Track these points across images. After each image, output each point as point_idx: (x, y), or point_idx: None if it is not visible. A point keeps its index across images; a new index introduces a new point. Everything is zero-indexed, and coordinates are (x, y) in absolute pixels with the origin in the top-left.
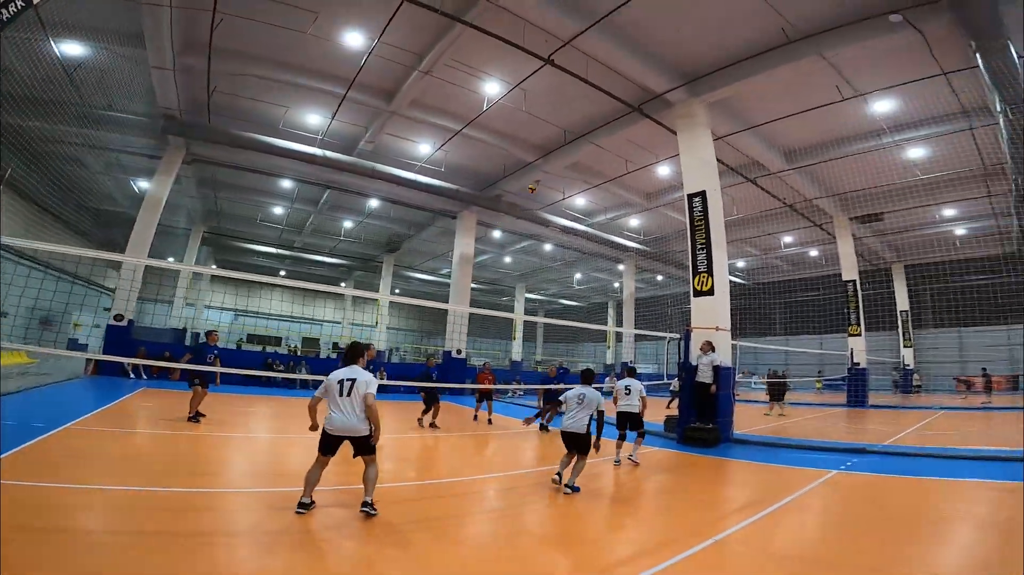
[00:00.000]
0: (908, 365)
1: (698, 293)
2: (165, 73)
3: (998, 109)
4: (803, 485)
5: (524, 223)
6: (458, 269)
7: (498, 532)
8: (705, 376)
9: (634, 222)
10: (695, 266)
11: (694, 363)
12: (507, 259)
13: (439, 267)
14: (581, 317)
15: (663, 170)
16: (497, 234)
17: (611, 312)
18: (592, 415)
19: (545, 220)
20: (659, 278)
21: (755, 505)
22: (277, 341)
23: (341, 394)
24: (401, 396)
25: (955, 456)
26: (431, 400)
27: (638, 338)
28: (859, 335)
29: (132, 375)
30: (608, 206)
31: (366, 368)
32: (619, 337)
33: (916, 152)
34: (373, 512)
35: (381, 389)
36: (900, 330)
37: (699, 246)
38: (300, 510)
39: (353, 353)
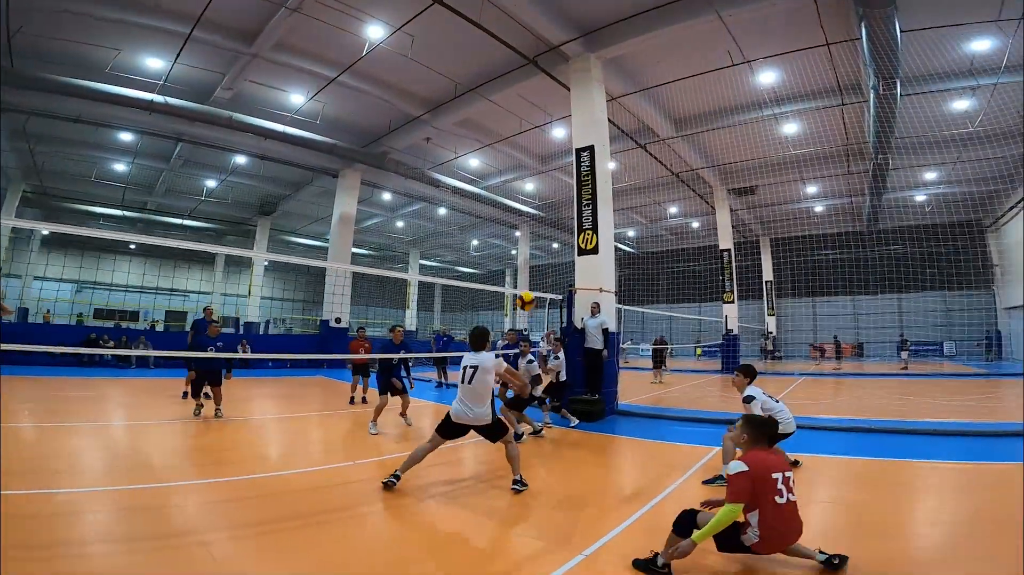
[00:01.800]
0: (772, 332)
1: (582, 251)
2: None
3: (870, 84)
4: (687, 467)
5: (415, 184)
6: (338, 230)
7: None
8: (595, 341)
9: (529, 186)
10: (580, 223)
11: (579, 327)
12: (399, 223)
13: (323, 231)
14: (479, 282)
15: (558, 132)
16: (387, 196)
17: (508, 279)
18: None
19: (436, 181)
20: (555, 245)
21: (639, 497)
22: (134, 316)
23: (462, 381)
24: (291, 372)
25: (821, 427)
26: (388, 385)
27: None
28: (732, 302)
29: None
30: (502, 168)
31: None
32: (515, 304)
33: (790, 127)
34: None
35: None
36: (765, 299)
37: (585, 202)
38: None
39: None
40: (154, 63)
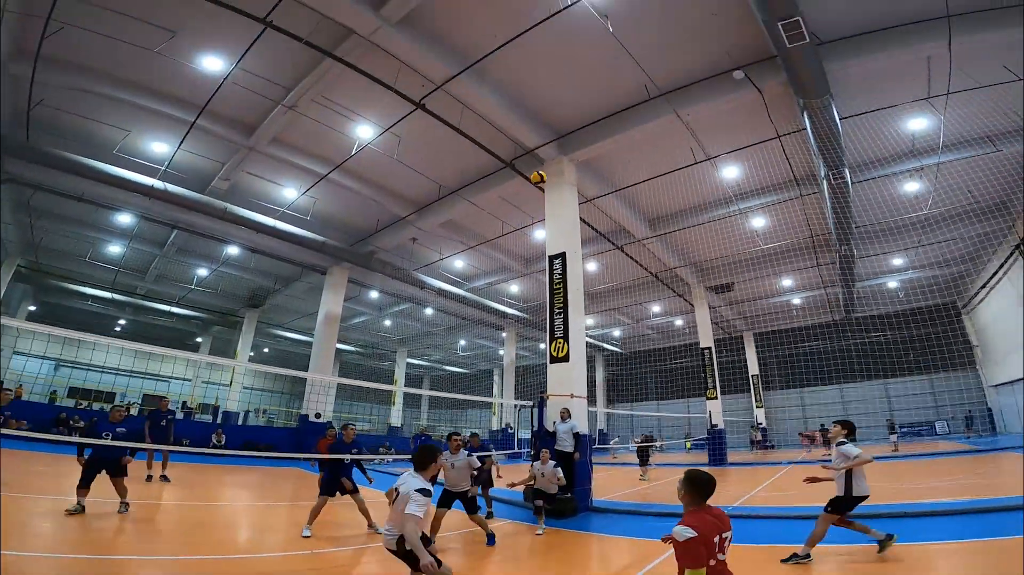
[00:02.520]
0: (761, 424)
1: (554, 359)
2: None
3: (821, 174)
4: (649, 560)
5: (402, 284)
6: (323, 329)
7: None
8: (565, 444)
9: (514, 288)
10: (552, 331)
11: (551, 430)
12: (386, 322)
13: (310, 326)
14: (467, 383)
15: (539, 234)
16: (374, 295)
17: (496, 379)
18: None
19: (421, 282)
20: (541, 346)
21: None
22: (110, 397)
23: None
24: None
25: (793, 516)
26: (334, 485)
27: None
28: (716, 398)
29: None
30: (487, 270)
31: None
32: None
33: (758, 221)
34: None
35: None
36: (752, 392)
37: (557, 310)
38: None
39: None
40: (159, 147)
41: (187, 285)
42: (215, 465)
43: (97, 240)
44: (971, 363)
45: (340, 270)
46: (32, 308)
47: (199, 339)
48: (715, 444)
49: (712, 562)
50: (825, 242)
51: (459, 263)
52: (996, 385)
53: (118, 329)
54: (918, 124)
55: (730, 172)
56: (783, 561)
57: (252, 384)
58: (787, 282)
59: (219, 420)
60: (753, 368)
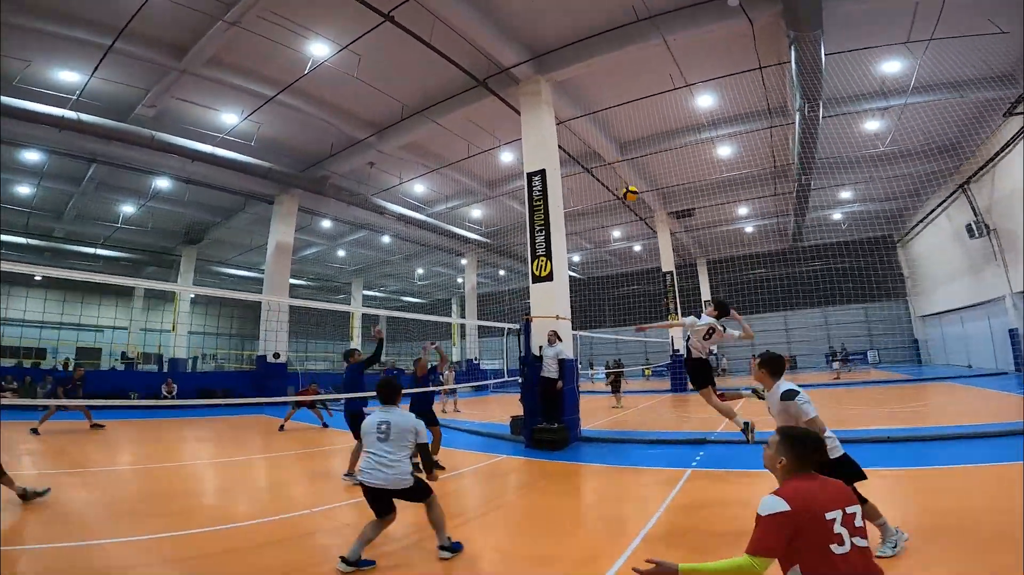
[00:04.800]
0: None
1: (537, 279)
2: None
3: (796, 106)
4: (663, 495)
5: (357, 211)
6: (274, 260)
7: None
8: (550, 371)
9: (476, 212)
10: (533, 249)
11: (537, 355)
12: (340, 252)
13: (257, 261)
14: (424, 314)
15: (506, 156)
16: (327, 224)
17: (455, 308)
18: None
19: (379, 207)
20: (501, 272)
21: (619, 537)
22: (41, 353)
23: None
24: (225, 411)
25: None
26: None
27: (482, 333)
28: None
29: None
30: (449, 194)
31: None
32: (463, 333)
33: (724, 150)
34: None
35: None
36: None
37: (538, 228)
38: None
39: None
40: (68, 76)
41: (112, 224)
42: (169, 419)
43: (2, 181)
44: (903, 294)
45: (289, 198)
46: None
47: (132, 285)
48: (677, 370)
49: (839, 550)
50: (785, 172)
51: (420, 187)
52: (924, 316)
53: (39, 278)
54: (892, 67)
55: (705, 101)
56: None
57: (197, 328)
58: (743, 210)
59: (166, 369)
60: (706, 294)
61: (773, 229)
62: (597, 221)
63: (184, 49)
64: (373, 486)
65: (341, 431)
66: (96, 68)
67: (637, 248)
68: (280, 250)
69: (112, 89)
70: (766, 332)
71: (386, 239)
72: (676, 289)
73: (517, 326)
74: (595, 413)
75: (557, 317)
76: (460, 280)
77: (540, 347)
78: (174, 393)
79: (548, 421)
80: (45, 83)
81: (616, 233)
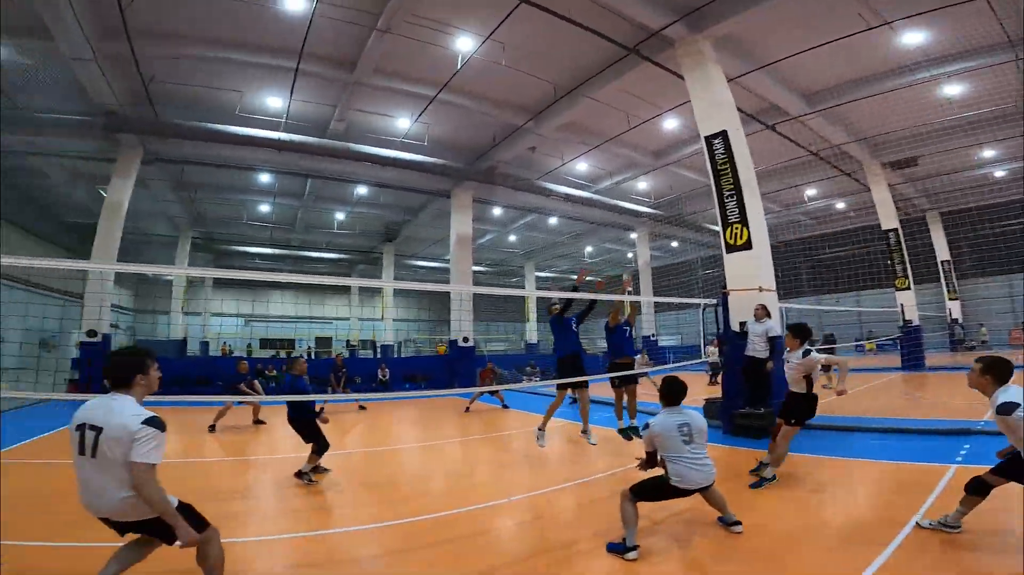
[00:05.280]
0: (957, 319)
1: (732, 248)
2: (87, 65)
3: None
4: (917, 500)
5: (525, 196)
6: (456, 251)
7: None
8: (758, 350)
9: (643, 184)
10: (724, 217)
11: (739, 331)
12: (511, 237)
13: (442, 252)
14: (597, 293)
15: (670, 123)
16: (497, 211)
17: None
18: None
19: (545, 190)
20: (674, 244)
21: (861, 549)
22: (291, 344)
23: (83, 451)
24: (423, 395)
25: None
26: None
27: (658, 308)
28: (908, 288)
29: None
30: (613, 169)
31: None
32: (638, 309)
33: (952, 89)
34: None
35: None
36: (943, 282)
37: (727, 193)
38: None
39: (114, 369)
40: (274, 102)
41: (330, 230)
42: (384, 403)
43: (248, 202)
44: None
45: (463, 191)
46: (187, 267)
47: (350, 284)
48: (910, 344)
49: None
50: None
51: (582, 166)
52: None
53: (283, 281)
54: None
55: (913, 38)
56: None
57: (399, 316)
58: (989, 152)
59: (379, 355)
60: (943, 253)
61: None
62: (784, 181)
63: (353, 63)
64: (691, 488)
65: (520, 411)
66: (292, 89)
67: (840, 206)
68: (461, 240)
69: (308, 109)
70: None
71: (553, 220)
72: (904, 248)
73: (714, 300)
74: None
75: (760, 289)
76: (630, 255)
77: (741, 323)
78: (387, 377)
79: (752, 405)
80: (259, 110)
81: (811, 191)
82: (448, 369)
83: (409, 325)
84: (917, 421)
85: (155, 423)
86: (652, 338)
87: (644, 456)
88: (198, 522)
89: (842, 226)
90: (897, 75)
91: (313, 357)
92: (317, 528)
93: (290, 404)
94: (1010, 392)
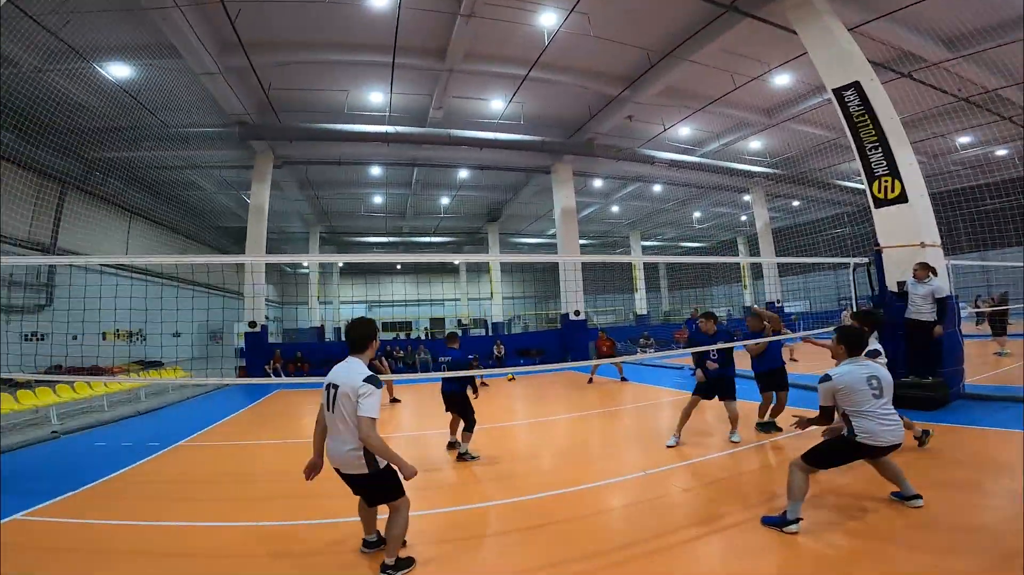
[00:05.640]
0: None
1: (881, 202)
2: (215, 78)
3: None
4: None
5: (625, 165)
6: (562, 224)
7: None
8: (923, 311)
9: (756, 144)
10: (870, 171)
11: (897, 291)
12: (614, 208)
13: (545, 228)
14: (708, 256)
15: (781, 79)
16: (599, 183)
17: (741, 248)
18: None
19: (647, 158)
20: (795, 203)
21: None
22: (407, 326)
23: (329, 407)
24: (538, 370)
25: None
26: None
27: (781, 272)
28: None
29: (273, 376)
30: (720, 130)
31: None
32: (757, 274)
33: None
34: None
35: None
36: None
37: (870, 146)
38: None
39: (355, 336)
40: (376, 97)
41: (437, 215)
42: (498, 379)
43: (363, 195)
44: None
45: (563, 165)
46: (340, 265)
47: (456, 261)
48: None
49: None
50: None
51: (685, 130)
52: None
53: (399, 267)
54: None
55: None
56: None
57: (506, 294)
58: None
59: (490, 332)
60: None
61: None
62: (928, 130)
63: (443, 51)
64: (881, 445)
65: (637, 384)
66: (391, 82)
67: (1001, 152)
68: (565, 214)
69: (408, 101)
70: None
71: (657, 188)
72: None
73: (865, 259)
74: (970, 362)
75: (922, 244)
76: (744, 218)
77: (899, 283)
78: (503, 353)
79: (918, 374)
80: (363, 107)
81: (963, 139)
82: (561, 343)
83: (516, 302)
84: None
85: (373, 380)
86: (777, 304)
87: (801, 416)
88: (399, 488)
89: (1005, 175)
90: None
91: (429, 337)
92: (440, 506)
93: (453, 378)
94: None
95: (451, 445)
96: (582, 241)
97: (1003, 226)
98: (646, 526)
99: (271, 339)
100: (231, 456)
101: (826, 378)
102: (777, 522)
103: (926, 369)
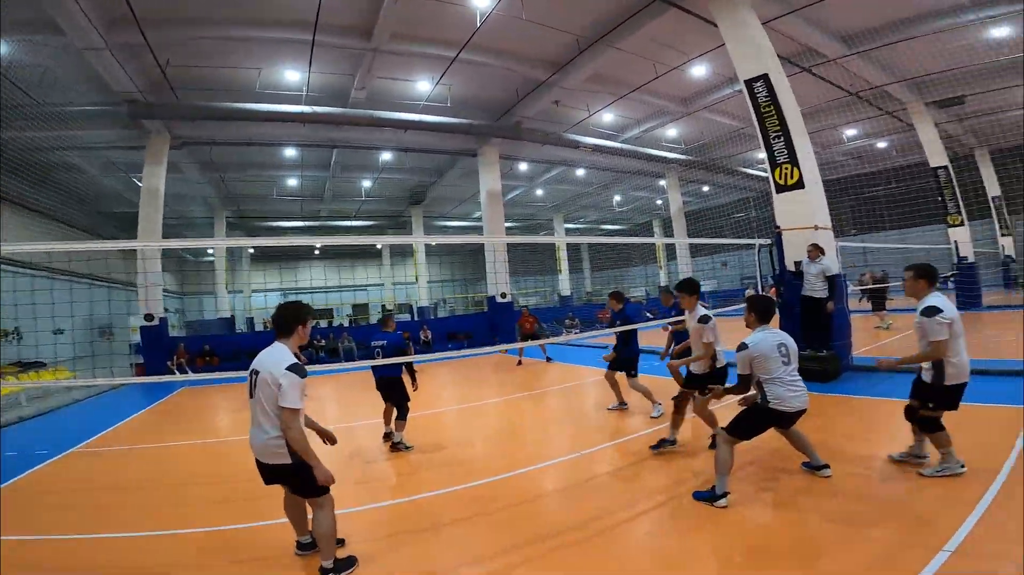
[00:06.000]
0: (1010, 255)
1: (782, 188)
2: (101, 55)
3: None
4: (1008, 442)
5: (551, 149)
6: (488, 206)
7: None
8: (816, 289)
9: (672, 132)
10: (772, 158)
11: (793, 271)
12: (539, 192)
13: (471, 211)
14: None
15: (698, 70)
16: (524, 166)
17: (657, 231)
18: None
19: (572, 142)
20: (705, 189)
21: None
22: (329, 313)
23: (250, 394)
24: (465, 355)
25: None
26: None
27: (693, 253)
28: (961, 225)
29: (177, 373)
30: (640, 117)
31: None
32: (670, 255)
33: (1000, 32)
34: None
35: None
36: (995, 218)
37: (773, 135)
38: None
39: (281, 320)
40: (292, 75)
41: (358, 198)
42: (427, 365)
43: (276, 178)
44: None
45: (490, 148)
46: (251, 251)
47: (379, 246)
48: (966, 283)
49: None
50: None
51: (609, 116)
52: None
53: (316, 252)
54: None
55: None
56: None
57: (431, 277)
58: None
59: (416, 317)
60: (993, 189)
61: None
62: (822, 121)
63: (369, 29)
64: (791, 411)
65: (564, 364)
66: (310, 61)
67: (881, 145)
68: (491, 196)
69: (328, 80)
70: None
71: (581, 172)
72: (955, 185)
73: (769, 240)
74: (856, 335)
75: (816, 227)
76: (660, 202)
77: (796, 263)
78: (430, 338)
79: (814, 347)
80: (277, 86)
81: (850, 131)
82: (489, 326)
83: (444, 286)
84: (989, 361)
85: (296, 369)
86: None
87: (716, 387)
88: (321, 487)
89: (884, 165)
90: (941, 17)
91: (352, 324)
92: (378, 500)
93: (387, 364)
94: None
95: (387, 436)
96: (507, 224)
97: (882, 212)
98: (584, 508)
99: (173, 332)
100: (138, 461)
101: (743, 346)
102: (707, 497)
103: (821, 343)
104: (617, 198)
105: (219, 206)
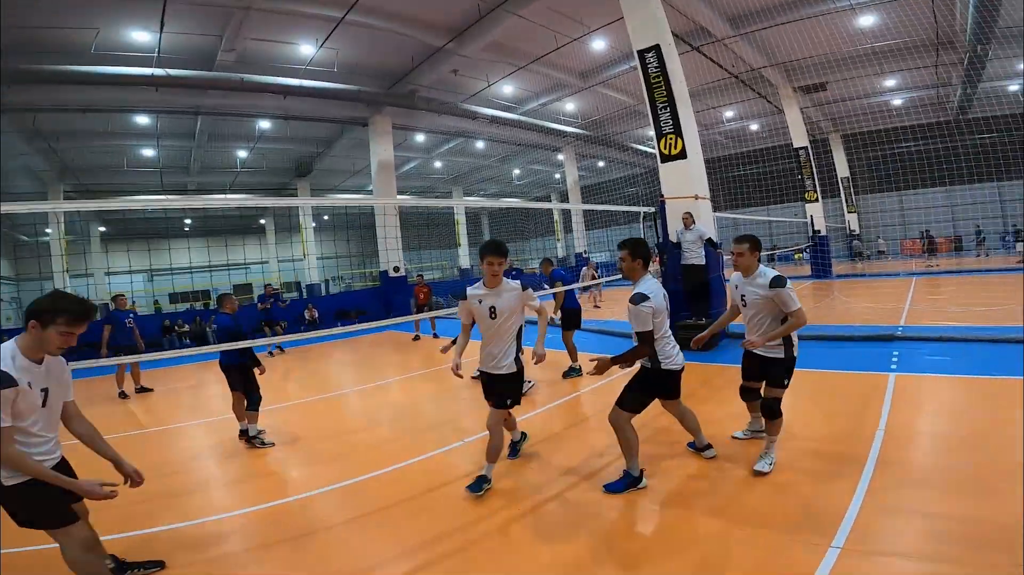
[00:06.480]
0: (855, 231)
1: (667, 158)
2: None
3: None
4: (873, 408)
5: (449, 120)
6: (379, 178)
7: None
8: (694, 256)
9: (570, 106)
10: (659, 129)
11: (674, 241)
12: (436, 164)
13: (363, 183)
14: (526, 213)
15: (597, 43)
16: (420, 137)
17: (555, 203)
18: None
19: (470, 113)
20: (600, 164)
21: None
22: (206, 295)
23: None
24: (358, 332)
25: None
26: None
27: (588, 225)
28: (816, 201)
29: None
30: (539, 90)
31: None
32: (568, 227)
33: (866, 20)
34: None
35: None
36: (843, 197)
37: (660, 105)
38: None
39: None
40: (140, 36)
41: (232, 170)
42: (313, 345)
43: (128, 147)
44: None
45: (382, 118)
46: (102, 229)
47: (262, 220)
48: (819, 254)
49: None
50: (951, 41)
51: (508, 88)
52: None
53: (187, 229)
54: None
55: None
56: None
57: (324, 253)
58: (890, 82)
59: (304, 295)
60: (843, 171)
61: (931, 101)
62: (705, 102)
63: None
64: (677, 369)
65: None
66: (162, 22)
67: (754, 127)
68: (382, 167)
69: (187, 41)
70: (925, 210)
71: (480, 144)
72: (813, 165)
73: (653, 209)
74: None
75: (696, 197)
76: (557, 176)
77: (677, 232)
78: (316, 317)
79: (696, 315)
80: (121, 47)
81: (728, 113)
82: (383, 301)
83: (339, 262)
84: (832, 327)
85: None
86: (584, 255)
87: (602, 358)
88: (56, 512)
89: (752, 146)
90: (815, 3)
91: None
92: (266, 500)
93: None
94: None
95: (243, 433)
96: (403, 196)
97: (751, 189)
98: (487, 501)
99: (6, 325)
100: None
101: (642, 297)
102: (623, 486)
103: (701, 311)
104: (516, 171)
105: (54, 180)
